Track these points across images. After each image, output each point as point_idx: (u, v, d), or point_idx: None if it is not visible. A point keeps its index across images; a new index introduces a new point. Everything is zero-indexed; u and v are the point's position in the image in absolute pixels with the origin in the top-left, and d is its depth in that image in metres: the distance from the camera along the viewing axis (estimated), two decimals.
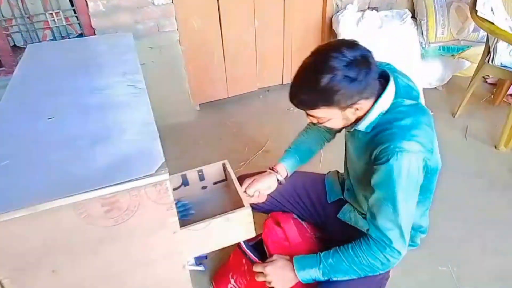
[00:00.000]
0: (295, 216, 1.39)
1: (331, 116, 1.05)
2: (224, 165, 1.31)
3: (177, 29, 2.33)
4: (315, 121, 1.11)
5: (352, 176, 1.30)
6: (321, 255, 1.13)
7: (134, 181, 0.88)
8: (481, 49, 2.73)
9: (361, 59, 0.97)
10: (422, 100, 1.18)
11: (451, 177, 2.06)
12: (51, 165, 0.94)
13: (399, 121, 1.03)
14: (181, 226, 1.05)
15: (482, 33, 2.69)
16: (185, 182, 1.30)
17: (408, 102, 1.07)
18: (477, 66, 2.48)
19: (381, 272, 1.10)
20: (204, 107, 2.78)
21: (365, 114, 1.07)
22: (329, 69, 0.95)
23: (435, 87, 2.94)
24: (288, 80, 3.00)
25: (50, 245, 0.91)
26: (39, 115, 1.14)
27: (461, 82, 2.96)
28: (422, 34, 2.73)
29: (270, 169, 1.35)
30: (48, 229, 0.88)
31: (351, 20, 2.57)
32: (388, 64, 1.20)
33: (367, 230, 1.11)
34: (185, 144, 2.43)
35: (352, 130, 1.13)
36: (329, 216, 1.37)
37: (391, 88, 1.06)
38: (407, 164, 0.99)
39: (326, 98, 0.99)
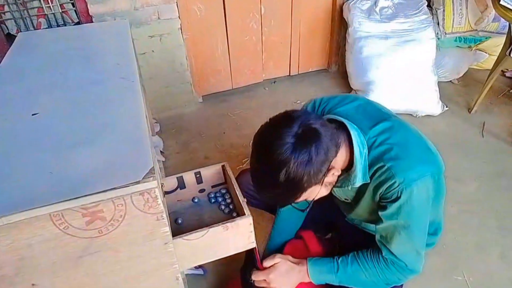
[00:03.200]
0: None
1: (313, 194, 0.94)
2: (223, 167, 1.20)
3: (179, 17, 2.21)
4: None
5: (351, 218, 1.22)
6: (339, 261, 1.06)
7: (118, 189, 0.78)
8: (500, 40, 2.59)
9: (304, 129, 0.85)
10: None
11: (467, 177, 1.95)
12: (26, 170, 0.84)
13: (388, 153, 0.93)
14: (174, 236, 0.96)
15: (503, 23, 2.55)
16: (181, 185, 1.20)
17: (377, 127, 0.97)
18: (497, 58, 2.33)
19: (399, 284, 1.06)
20: (207, 99, 2.67)
21: (347, 168, 0.98)
22: (279, 165, 0.83)
23: (450, 80, 2.79)
24: (295, 71, 2.88)
25: (28, 258, 0.82)
26: (21, 112, 1.05)
27: (478, 75, 2.81)
28: (438, 24, 2.58)
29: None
30: (24, 241, 0.79)
31: (363, 8, 2.43)
32: (322, 101, 1.10)
33: (381, 251, 1.03)
34: (187, 137, 2.32)
35: (342, 187, 1.03)
36: (339, 216, 1.28)
37: (352, 130, 0.95)
38: (418, 193, 0.92)
39: (295, 189, 0.87)
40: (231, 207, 1.16)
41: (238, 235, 1.01)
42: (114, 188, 0.78)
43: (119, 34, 1.59)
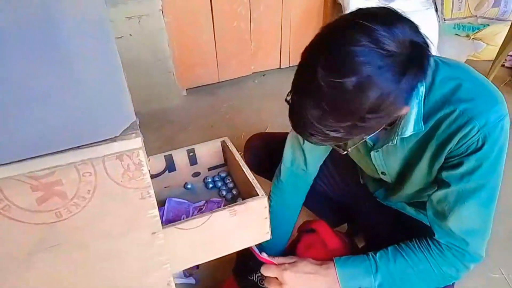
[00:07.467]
0: None
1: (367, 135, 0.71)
2: (224, 143, 0.97)
3: None
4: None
5: (393, 202, 0.99)
6: (376, 258, 0.81)
7: (85, 148, 0.53)
8: (499, 28, 2.49)
9: (416, 47, 0.60)
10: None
11: None
12: None
13: (458, 92, 0.70)
14: (163, 221, 0.72)
15: (503, 8, 2.44)
16: (170, 166, 0.95)
17: (436, 59, 0.74)
18: (503, 42, 2.18)
19: (454, 281, 0.82)
20: (191, 92, 2.43)
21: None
22: (371, 84, 0.57)
23: None
24: (286, 63, 2.68)
25: None
26: None
27: (475, 66, 2.66)
28: (436, 10, 2.44)
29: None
30: None
31: None
32: None
33: (433, 234, 0.80)
34: (171, 131, 2.08)
35: (385, 144, 0.80)
36: (364, 196, 1.08)
37: None
38: (502, 140, 0.71)
39: (370, 126, 0.63)
40: (234, 192, 0.92)
41: (249, 223, 0.77)
42: (79, 147, 0.53)
43: None
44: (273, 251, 0.95)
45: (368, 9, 0.63)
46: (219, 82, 2.50)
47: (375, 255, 0.82)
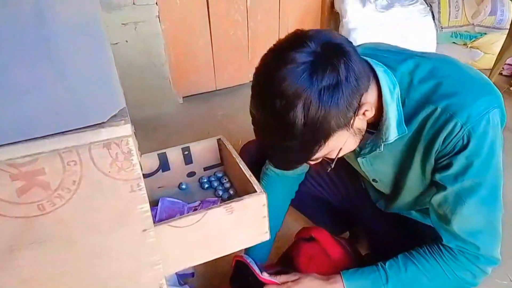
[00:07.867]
0: None
1: (338, 146, 0.69)
2: (220, 142, 0.93)
3: (156, 3, 1.97)
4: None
5: (396, 198, 0.96)
6: (386, 267, 0.77)
7: (69, 133, 0.50)
8: (496, 37, 2.50)
9: (325, 47, 0.60)
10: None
11: None
12: None
13: (438, 90, 0.68)
14: (156, 221, 0.68)
15: (499, 17, 2.44)
16: (164, 165, 0.92)
17: (409, 61, 0.72)
18: (500, 50, 2.17)
19: (474, 285, 0.77)
20: (188, 100, 2.41)
21: (378, 118, 0.72)
22: (292, 99, 0.59)
23: None
24: None
25: None
26: None
27: None
28: (434, 18, 2.45)
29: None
30: None
31: None
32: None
33: (440, 239, 0.76)
34: (166, 138, 2.05)
35: (372, 151, 0.77)
36: (366, 201, 1.04)
37: (376, 66, 0.70)
38: (491, 132, 0.67)
39: (317, 135, 0.62)
40: (231, 192, 0.89)
41: (247, 221, 0.73)
42: (63, 133, 0.49)
43: None
44: (259, 251, 0.91)
45: (280, 41, 0.69)
46: (216, 90, 2.48)
47: (385, 264, 0.78)
